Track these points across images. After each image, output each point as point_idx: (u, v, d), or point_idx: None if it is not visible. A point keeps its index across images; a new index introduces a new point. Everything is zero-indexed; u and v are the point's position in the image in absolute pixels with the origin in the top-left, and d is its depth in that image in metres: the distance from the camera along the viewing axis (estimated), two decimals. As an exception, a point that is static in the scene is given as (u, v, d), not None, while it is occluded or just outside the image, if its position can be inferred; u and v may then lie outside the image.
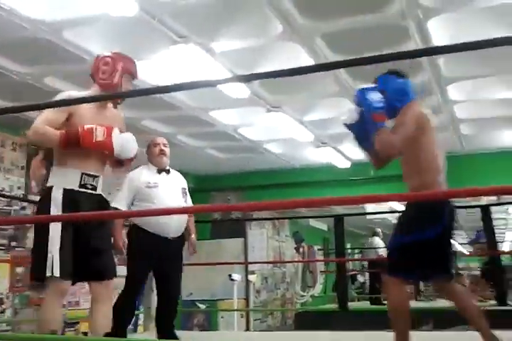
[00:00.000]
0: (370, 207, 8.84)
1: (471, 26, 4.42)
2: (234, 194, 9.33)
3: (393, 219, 9.89)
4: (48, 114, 2.90)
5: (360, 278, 13.33)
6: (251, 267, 9.55)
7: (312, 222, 12.63)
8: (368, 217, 10.24)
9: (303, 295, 11.97)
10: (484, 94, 6.39)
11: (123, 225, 4.10)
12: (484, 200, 8.35)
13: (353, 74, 5.66)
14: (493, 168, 8.42)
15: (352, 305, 8.11)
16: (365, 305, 11.31)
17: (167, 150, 4.24)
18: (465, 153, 8.65)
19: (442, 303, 10.51)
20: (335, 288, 9.49)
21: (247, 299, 9.33)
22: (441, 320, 7.69)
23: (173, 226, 4.04)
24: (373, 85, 3.04)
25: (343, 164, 8.93)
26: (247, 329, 8.83)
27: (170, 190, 4.13)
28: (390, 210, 8.35)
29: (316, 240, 13.60)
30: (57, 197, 2.89)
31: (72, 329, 6.85)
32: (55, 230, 2.81)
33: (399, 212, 3.39)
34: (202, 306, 9.06)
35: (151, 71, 5.08)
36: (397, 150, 2.88)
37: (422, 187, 2.84)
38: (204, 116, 6.76)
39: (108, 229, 3.19)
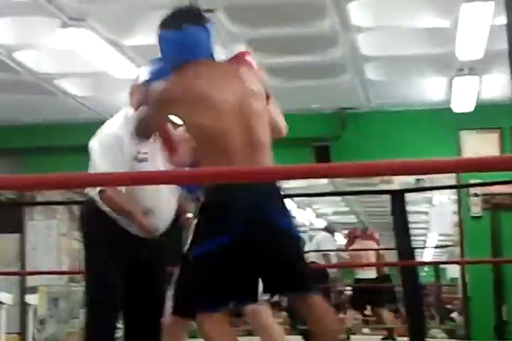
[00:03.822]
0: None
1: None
2: (4, 160, 9.51)
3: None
4: None
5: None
6: (30, 281, 9.30)
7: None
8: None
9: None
10: (398, 19, 6.26)
11: None
12: (396, 184, 8.94)
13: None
14: (407, 132, 8.44)
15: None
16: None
17: None
18: (371, 108, 8.65)
19: None
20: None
21: (22, 334, 8.89)
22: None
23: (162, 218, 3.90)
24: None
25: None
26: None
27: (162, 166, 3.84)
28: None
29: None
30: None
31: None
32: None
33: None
34: None
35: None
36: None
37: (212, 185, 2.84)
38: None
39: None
